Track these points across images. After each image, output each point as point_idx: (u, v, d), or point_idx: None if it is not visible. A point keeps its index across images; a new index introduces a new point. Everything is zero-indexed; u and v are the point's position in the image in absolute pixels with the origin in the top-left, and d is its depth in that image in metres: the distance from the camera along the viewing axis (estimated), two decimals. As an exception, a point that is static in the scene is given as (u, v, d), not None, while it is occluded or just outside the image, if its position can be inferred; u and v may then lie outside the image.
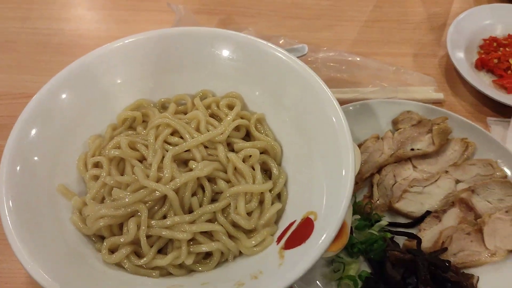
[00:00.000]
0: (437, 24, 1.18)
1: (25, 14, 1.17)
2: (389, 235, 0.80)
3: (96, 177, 0.75)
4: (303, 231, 0.66)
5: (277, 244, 0.68)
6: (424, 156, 0.91)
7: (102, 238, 0.71)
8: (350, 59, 0.97)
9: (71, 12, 1.19)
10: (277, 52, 0.81)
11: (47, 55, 1.09)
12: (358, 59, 0.98)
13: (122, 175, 0.74)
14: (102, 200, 0.73)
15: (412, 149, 0.91)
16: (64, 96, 0.78)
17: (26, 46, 1.11)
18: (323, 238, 0.62)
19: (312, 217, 0.67)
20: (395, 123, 0.96)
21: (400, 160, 0.91)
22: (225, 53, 0.84)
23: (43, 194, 0.70)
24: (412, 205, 0.85)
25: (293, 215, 0.71)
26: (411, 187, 0.86)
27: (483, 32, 1.12)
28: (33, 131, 0.73)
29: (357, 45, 1.13)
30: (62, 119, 0.77)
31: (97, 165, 0.77)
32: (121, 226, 0.70)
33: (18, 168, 0.69)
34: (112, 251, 0.69)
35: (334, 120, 0.72)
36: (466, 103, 1.04)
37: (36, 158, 0.72)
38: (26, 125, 0.73)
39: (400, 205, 0.85)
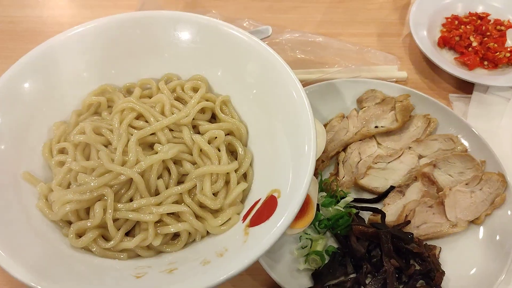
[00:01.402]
0: (401, 3, 1.20)
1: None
2: (354, 211, 0.83)
3: (61, 163, 0.75)
4: (267, 208, 0.67)
5: (243, 222, 0.69)
6: (388, 133, 0.93)
7: (69, 223, 0.71)
8: (314, 40, 0.98)
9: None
10: (238, 33, 0.82)
11: (11, 43, 1.08)
12: (321, 39, 0.99)
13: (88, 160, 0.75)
14: (68, 186, 0.73)
15: (376, 127, 0.93)
16: (26, 83, 0.77)
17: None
18: (286, 215, 0.63)
19: (276, 194, 0.68)
20: (359, 102, 0.97)
21: (365, 138, 0.93)
22: (188, 36, 0.85)
23: (8, 182, 0.70)
24: (376, 181, 0.87)
25: (258, 193, 0.73)
26: (375, 163, 0.88)
27: (444, 11, 1.14)
28: (-4, 118, 0.73)
29: (323, 26, 1.14)
30: (25, 106, 0.77)
31: (62, 151, 0.77)
32: (88, 211, 0.71)
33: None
34: (79, 235, 0.69)
35: (295, 95, 0.73)
36: (429, 81, 1.06)
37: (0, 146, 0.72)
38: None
39: (365, 181, 0.87)
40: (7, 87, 0.76)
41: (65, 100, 0.82)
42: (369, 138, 0.93)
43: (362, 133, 0.92)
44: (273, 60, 0.78)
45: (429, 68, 1.08)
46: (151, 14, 0.85)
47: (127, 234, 0.71)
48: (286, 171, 0.70)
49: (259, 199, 0.71)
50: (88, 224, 0.68)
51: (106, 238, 0.70)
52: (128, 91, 0.86)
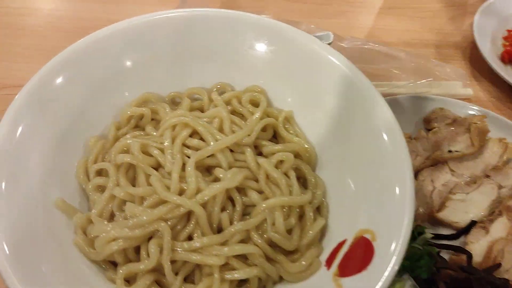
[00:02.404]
0: (457, 12, 1.10)
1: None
2: (435, 250, 0.71)
3: (101, 188, 0.62)
4: (359, 254, 0.56)
5: (328, 269, 0.57)
6: (461, 158, 0.83)
7: (114, 264, 0.58)
8: (377, 49, 0.87)
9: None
10: (310, 40, 0.70)
11: (23, 39, 0.93)
12: (386, 49, 0.88)
13: (133, 185, 0.62)
14: (111, 217, 0.60)
15: (450, 151, 0.82)
16: (57, 89, 0.64)
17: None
18: (390, 265, 0.52)
19: (368, 236, 0.56)
20: (427, 121, 0.86)
21: (436, 163, 0.82)
22: (247, 40, 0.73)
23: (38, 211, 0.57)
24: (456, 214, 0.76)
25: (340, 233, 0.60)
26: (454, 194, 0.77)
27: (509, 22, 1.05)
28: (21, 131, 0.60)
29: (375, 33, 1.03)
30: (56, 117, 0.64)
31: (100, 173, 0.64)
32: (137, 250, 0.58)
33: (3, 182, 0.55)
34: (128, 280, 0.56)
35: (384, 124, 0.62)
36: (495, 99, 0.96)
37: (26, 165, 0.59)
38: (13, 124, 0.59)
39: (444, 215, 0.76)
40: (37, 93, 0.63)
41: (102, 110, 0.69)
42: (441, 163, 0.82)
43: (434, 157, 0.81)
44: (355, 78, 0.66)
45: (494, 86, 0.97)
46: (204, 13, 0.73)
47: (185, 279, 0.58)
48: (376, 208, 0.58)
49: (344, 241, 0.59)
50: (141, 267, 0.55)
51: (161, 285, 0.57)
52: (173, 102, 0.74)
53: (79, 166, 0.64)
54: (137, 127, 0.70)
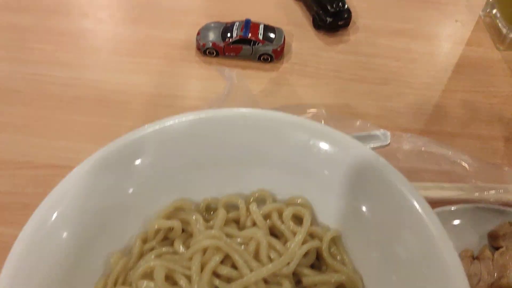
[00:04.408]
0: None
1: (38, 58, 0.98)
2: None
3: (119, 317, 0.56)
4: None
5: None
6: (532, 286, 0.72)
7: None
8: (440, 152, 0.78)
9: (93, 56, 1.00)
10: (365, 152, 0.62)
11: (60, 112, 0.89)
12: (450, 153, 0.78)
13: (154, 316, 0.55)
14: None
15: (520, 280, 0.71)
16: (79, 197, 0.59)
17: (36, 98, 0.91)
18: None
19: None
20: (493, 237, 0.76)
21: (503, 291, 0.71)
22: (293, 145, 0.65)
23: None
24: None
25: None
26: (524, 337, 0.66)
27: None
28: (35, 256, 0.54)
29: (434, 121, 0.93)
30: (76, 226, 0.58)
31: (120, 297, 0.57)
32: None
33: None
34: None
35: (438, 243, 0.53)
36: None
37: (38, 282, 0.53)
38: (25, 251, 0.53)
39: None
40: (54, 205, 0.57)
41: (127, 219, 0.63)
42: (509, 292, 0.71)
43: (500, 285, 0.70)
44: (410, 196, 0.58)
45: None
46: (248, 114, 0.66)
47: None
48: None
49: None
50: None
51: None
52: (208, 209, 0.67)
53: (97, 286, 0.58)
54: (166, 238, 0.64)
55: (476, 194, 0.78)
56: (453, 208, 0.75)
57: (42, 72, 0.95)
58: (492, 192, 0.77)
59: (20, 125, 0.87)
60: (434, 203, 0.77)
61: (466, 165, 0.78)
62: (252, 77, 0.97)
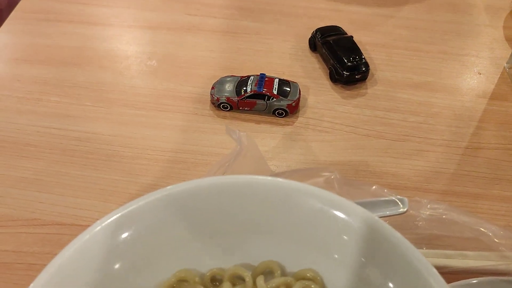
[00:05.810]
0: None
1: (53, 110, 0.99)
2: None
3: None
4: None
5: None
6: None
7: None
8: (462, 219, 0.73)
9: (107, 110, 0.99)
10: (382, 227, 0.58)
11: (71, 167, 0.89)
12: (473, 221, 0.74)
13: None
14: None
15: None
16: (78, 268, 0.56)
17: (49, 152, 0.91)
18: None
19: None
20: (522, 314, 0.70)
21: None
22: (304, 214, 0.62)
23: None
24: None
25: None
26: None
27: None
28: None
29: (456, 180, 0.89)
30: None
31: None
32: None
33: None
34: None
35: None
36: None
37: None
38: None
39: None
40: (60, 271, 0.55)
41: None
42: None
43: None
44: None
45: None
46: (256, 181, 0.64)
47: None
48: None
49: None
50: None
51: None
52: (213, 280, 0.64)
53: None
54: (167, 311, 0.61)
55: (503, 265, 0.73)
56: (474, 281, 0.70)
57: (57, 126, 0.95)
58: (520, 263, 0.72)
59: (31, 180, 0.86)
60: (457, 274, 0.73)
61: (491, 234, 0.73)
62: (266, 132, 0.95)
